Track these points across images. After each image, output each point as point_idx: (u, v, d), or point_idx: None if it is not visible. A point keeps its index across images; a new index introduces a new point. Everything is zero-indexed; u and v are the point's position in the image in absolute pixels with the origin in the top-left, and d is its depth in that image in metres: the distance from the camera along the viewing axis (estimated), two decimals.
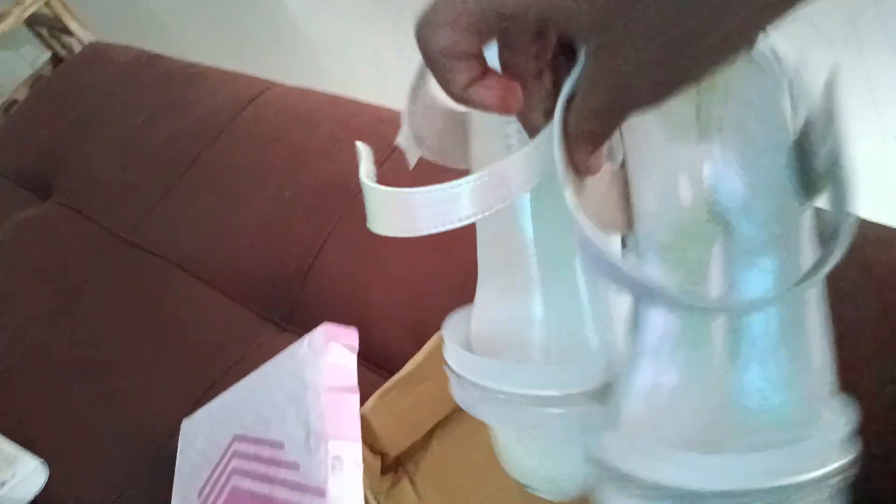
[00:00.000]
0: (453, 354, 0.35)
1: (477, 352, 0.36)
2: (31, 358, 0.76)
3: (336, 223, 0.71)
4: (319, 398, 0.48)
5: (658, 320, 0.28)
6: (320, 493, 0.44)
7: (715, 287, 0.28)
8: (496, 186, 0.25)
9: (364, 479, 0.45)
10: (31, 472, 0.64)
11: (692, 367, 0.28)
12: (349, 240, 0.70)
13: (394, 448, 0.52)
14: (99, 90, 1.02)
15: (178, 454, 0.58)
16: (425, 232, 0.25)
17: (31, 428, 0.69)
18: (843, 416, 0.26)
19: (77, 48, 1.52)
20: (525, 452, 0.37)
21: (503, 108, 0.24)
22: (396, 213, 0.26)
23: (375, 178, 0.29)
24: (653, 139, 0.28)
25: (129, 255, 0.80)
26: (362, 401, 0.50)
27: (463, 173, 0.26)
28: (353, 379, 0.51)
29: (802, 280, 0.23)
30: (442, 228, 0.25)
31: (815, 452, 0.24)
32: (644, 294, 0.25)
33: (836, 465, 0.24)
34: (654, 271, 0.28)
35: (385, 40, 1.36)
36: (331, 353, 0.51)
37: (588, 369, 0.30)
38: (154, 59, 1.01)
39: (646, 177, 0.28)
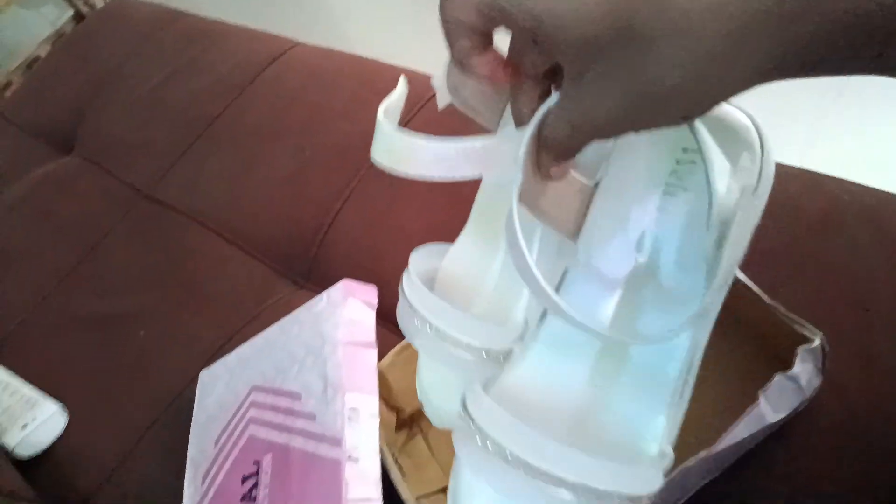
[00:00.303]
0: (410, 282, 0.36)
1: (437, 286, 0.38)
2: (52, 309, 0.77)
3: (356, 183, 0.71)
4: (337, 351, 0.48)
5: (558, 324, 0.31)
6: (336, 442, 0.44)
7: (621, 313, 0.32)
8: (474, 158, 0.29)
9: (380, 432, 0.45)
10: (50, 416, 0.66)
11: (575, 373, 0.31)
12: (368, 199, 0.70)
13: (409, 404, 0.52)
14: (120, 47, 1.02)
15: (195, 403, 0.59)
16: (405, 175, 0.30)
17: (51, 377, 0.70)
18: (669, 456, 0.28)
19: (100, 5, 1.52)
20: (430, 381, 0.38)
21: (492, 79, 0.28)
22: (389, 148, 0.31)
23: (397, 118, 0.32)
24: (630, 177, 0.31)
25: (149, 210, 0.80)
26: (380, 358, 0.50)
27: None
28: (371, 335, 0.51)
29: (682, 325, 0.27)
30: (420, 176, 0.29)
31: (646, 476, 0.27)
32: (545, 305, 0.27)
33: (652, 491, 0.27)
34: (574, 283, 0.31)
35: (407, 3, 1.34)
36: (349, 308, 0.52)
37: (506, 334, 0.33)
38: (176, 17, 1.01)
39: (609, 202, 0.31)
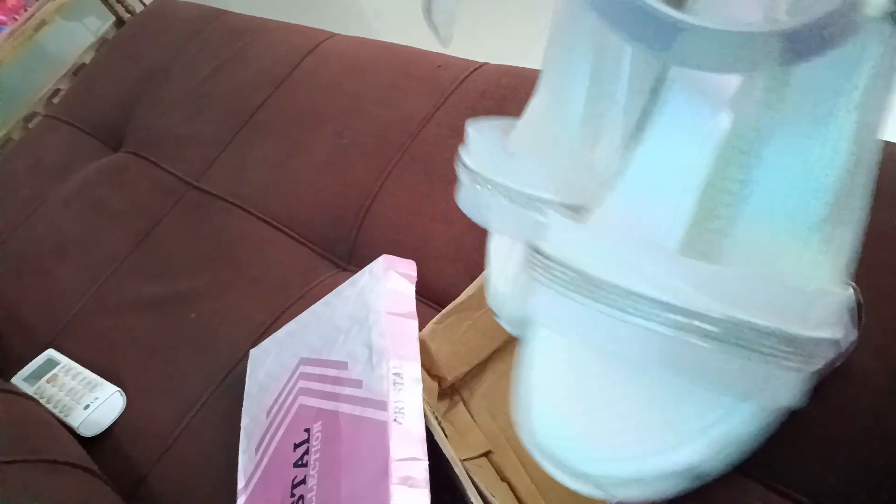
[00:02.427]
0: (474, 151, 0.32)
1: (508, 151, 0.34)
2: (107, 295, 0.81)
3: (393, 166, 0.73)
4: (380, 320, 0.50)
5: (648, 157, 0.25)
6: (382, 405, 0.46)
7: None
8: None
9: (423, 396, 0.47)
10: (110, 397, 0.69)
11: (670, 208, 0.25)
12: (405, 182, 0.72)
13: (450, 372, 0.54)
14: (164, 45, 1.05)
15: (247, 378, 0.61)
16: None
17: (110, 357, 0.74)
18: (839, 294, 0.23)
19: (140, 10, 1.57)
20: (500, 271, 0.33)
21: None
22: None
23: None
24: None
25: (197, 199, 0.84)
26: (420, 329, 0.52)
27: None
28: (411, 305, 0.53)
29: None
30: None
31: (826, 308, 0.22)
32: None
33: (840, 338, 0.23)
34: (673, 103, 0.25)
35: None
36: (390, 280, 0.54)
37: (587, 184, 0.28)
38: (218, 14, 1.04)
39: None
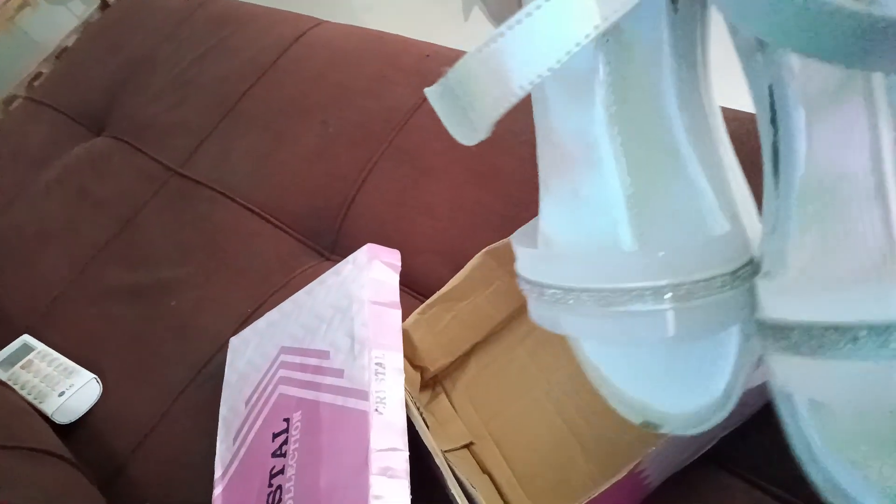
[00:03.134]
0: (529, 262, 0.35)
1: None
2: (88, 282, 0.79)
3: (379, 157, 0.72)
4: (364, 309, 0.50)
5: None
6: (363, 395, 0.46)
7: None
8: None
9: (405, 387, 0.47)
10: (86, 383, 0.68)
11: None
12: (391, 173, 0.71)
13: (433, 363, 0.54)
14: (149, 31, 1.04)
15: (226, 367, 0.61)
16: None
17: (88, 345, 0.73)
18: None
19: None
20: (634, 375, 0.37)
21: None
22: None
23: None
24: None
25: (180, 186, 0.82)
26: (403, 319, 0.51)
27: None
28: (395, 295, 0.53)
29: None
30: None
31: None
32: None
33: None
34: None
35: None
36: (374, 269, 0.53)
37: (724, 250, 0.30)
38: (204, 1, 1.03)
39: None
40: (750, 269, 0.31)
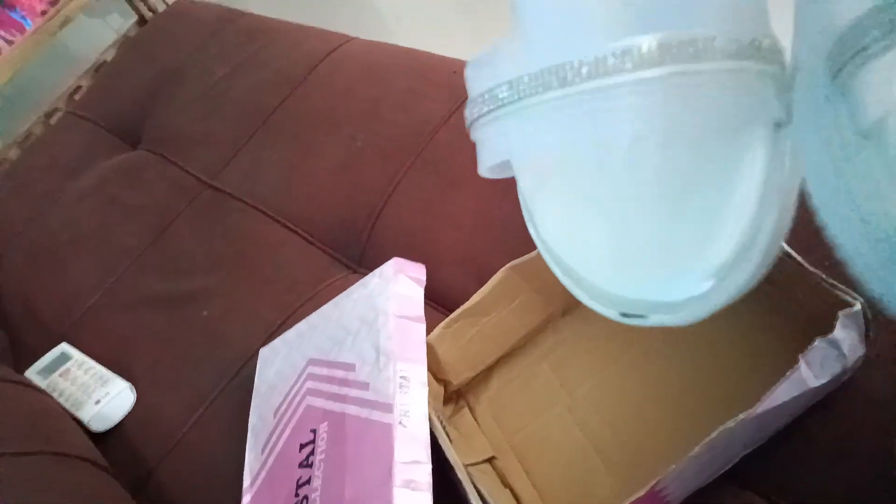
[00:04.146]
0: (474, 73, 0.29)
1: None
2: (122, 288, 0.82)
3: (406, 170, 0.73)
4: (389, 322, 0.51)
5: None
6: (388, 408, 0.47)
7: None
8: None
9: (429, 400, 0.47)
10: (121, 392, 0.70)
11: None
12: (418, 187, 0.72)
13: (456, 377, 0.54)
14: (184, 45, 1.06)
15: (256, 377, 0.62)
16: None
17: (121, 354, 0.75)
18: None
19: (162, 8, 1.58)
20: (609, 232, 0.28)
21: None
22: None
23: None
24: None
25: (212, 198, 0.84)
26: (427, 332, 0.52)
27: None
28: (420, 309, 0.53)
29: None
30: None
31: None
32: None
33: None
34: None
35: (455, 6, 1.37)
36: (400, 283, 0.54)
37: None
38: (236, 16, 1.05)
39: None
40: (771, 41, 0.24)
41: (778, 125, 0.24)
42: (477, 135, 0.30)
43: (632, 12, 0.24)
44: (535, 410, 0.52)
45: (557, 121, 0.25)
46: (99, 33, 1.99)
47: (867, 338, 0.40)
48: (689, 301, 0.25)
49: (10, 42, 1.41)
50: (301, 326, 0.61)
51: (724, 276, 0.24)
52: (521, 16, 0.28)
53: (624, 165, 0.25)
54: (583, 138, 0.25)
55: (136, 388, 0.71)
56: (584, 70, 0.24)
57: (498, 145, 0.28)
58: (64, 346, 0.77)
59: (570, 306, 0.55)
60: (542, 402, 0.52)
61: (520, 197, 0.30)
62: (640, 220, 0.26)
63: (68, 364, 0.73)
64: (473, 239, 0.66)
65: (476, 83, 0.29)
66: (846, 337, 0.37)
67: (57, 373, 0.73)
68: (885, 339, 0.43)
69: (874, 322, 0.40)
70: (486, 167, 0.30)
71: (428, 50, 0.85)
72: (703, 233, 0.24)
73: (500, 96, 0.26)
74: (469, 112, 0.29)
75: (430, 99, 0.77)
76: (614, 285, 0.26)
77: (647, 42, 0.23)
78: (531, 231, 0.30)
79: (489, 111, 0.27)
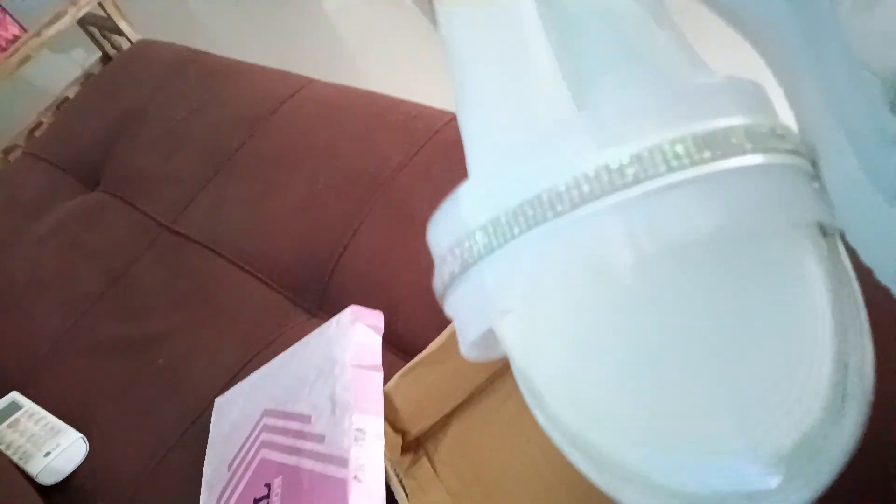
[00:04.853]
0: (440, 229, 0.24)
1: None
2: (79, 333, 0.80)
3: (367, 212, 0.73)
4: (346, 372, 0.50)
5: None
6: (343, 462, 0.46)
7: None
8: None
9: (385, 453, 0.47)
10: (73, 443, 0.68)
11: None
12: (379, 228, 0.72)
13: (414, 426, 0.54)
14: (145, 85, 1.06)
15: (211, 427, 0.61)
16: None
17: (76, 400, 0.73)
18: None
19: (126, 47, 1.58)
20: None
21: None
22: None
23: None
24: None
25: (171, 241, 0.83)
26: (385, 381, 0.52)
27: None
28: (377, 358, 0.53)
29: None
30: None
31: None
32: None
33: None
34: None
35: (417, 40, 1.38)
36: (357, 332, 0.54)
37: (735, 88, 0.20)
38: (198, 56, 1.05)
39: None
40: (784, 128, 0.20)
41: (821, 226, 0.20)
42: (453, 305, 0.24)
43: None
44: (495, 458, 0.51)
45: (550, 259, 0.20)
46: (62, 67, 1.97)
47: None
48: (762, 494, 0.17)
49: None
50: (256, 376, 0.60)
51: (806, 460, 0.17)
52: (474, 154, 0.25)
53: (632, 300, 0.20)
54: (578, 276, 0.20)
55: (90, 437, 0.69)
56: (571, 194, 0.20)
57: (479, 308, 0.23)
58: (14, 395, 0.74)
59: None
60: (502, 450, 0.51)
61: (517, 379, 0.24)
62: (660, 381, 0.19)
63: (17, 414, 0.71)
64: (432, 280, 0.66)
65: (441, 241, 0.24)
66: None
67: (5, 423, 0.70)
68: None
69: None
70: (470, 341, 0.24)
71: (391, 91, 0.85)
72: (753, 399, 0.18)
73: (474, 248, 0.22)
74: (439, 278, 0.24)
75: (386, 142, 0.77)
76: (654, 472, 0.19)
77: (619, 156, 0.19)
78: (540, 421, 0.23)
79: (463, 270, 0.23)
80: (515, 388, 0.52)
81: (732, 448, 0.17)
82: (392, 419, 0.53)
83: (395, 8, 1.59)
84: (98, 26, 1.71)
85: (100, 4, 1.54)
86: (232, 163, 0.87)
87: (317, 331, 0.57)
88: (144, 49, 1.16)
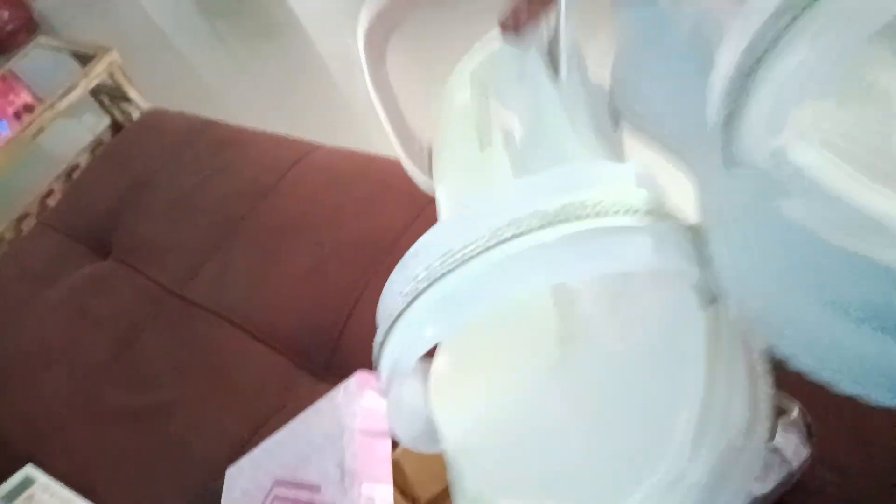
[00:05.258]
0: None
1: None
2: (89, 403, 0.81)
3: (372, 276, 0.75)
4: (354, 440, 0.51)
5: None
6: None
7: None
8: None
9: None
10: None
11: None
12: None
13: (425, 492, 0.54)
14: (155, 154, 1.09)
15: (223, 497, 0.61)
16: None
17: (87, 470, 0.74)
18: None
19: (135, 114, 1.63)
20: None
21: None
22: None
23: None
24: None
25: (179, 309, 0.85)
26: (393, 447, 0.53)
27: None
28: (384, 424, 0.54)
29: None
30: None
31: None
32: None
33: None
34: None
35: (421, 105, 1.42)
36: (365, 398, 0.55)
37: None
38: (207, 126, 1.09)
39: None
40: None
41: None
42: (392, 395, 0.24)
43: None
44: None
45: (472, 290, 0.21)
46: (72, 134, 2.02)
47: (809, 439, 0.42)
48: None
49: None
50: (268, 443, 0.61)
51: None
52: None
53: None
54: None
55: None
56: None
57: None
58: (28, 469, 0.75)
59: None
60: None
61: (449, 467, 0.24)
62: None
63: (32, 488, 0.72)
64: None
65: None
66: (787, 442, 0.39)
67: (21, 497, 0.71)
68: (834, 444, 0.44)
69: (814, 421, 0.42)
70: (410, 437, 0.25)
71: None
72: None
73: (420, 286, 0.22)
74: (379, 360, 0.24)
75: (390, 206, 0.80)
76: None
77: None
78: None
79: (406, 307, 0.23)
80: None
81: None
82: (402, 485, 0.53)
83: (399, 70, 1.64)
84: (108, 94, 1.76)
85: (110, 75, 1.59)
86: (238, 231, 0.89)
87: (326, 396, 0.58)
88: (155, 119, 1.20)
